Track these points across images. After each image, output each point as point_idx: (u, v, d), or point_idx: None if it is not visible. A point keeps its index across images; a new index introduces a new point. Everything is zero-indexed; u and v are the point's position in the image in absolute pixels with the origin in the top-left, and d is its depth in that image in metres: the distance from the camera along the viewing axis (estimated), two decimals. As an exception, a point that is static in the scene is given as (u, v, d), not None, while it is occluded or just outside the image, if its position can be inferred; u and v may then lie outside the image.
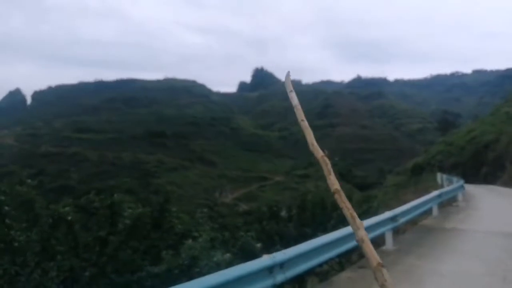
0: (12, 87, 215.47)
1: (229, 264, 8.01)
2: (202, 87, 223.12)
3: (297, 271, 6.05)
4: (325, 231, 9.67)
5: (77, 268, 5.75)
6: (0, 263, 5.54)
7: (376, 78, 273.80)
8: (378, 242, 8.95)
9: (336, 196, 2.11)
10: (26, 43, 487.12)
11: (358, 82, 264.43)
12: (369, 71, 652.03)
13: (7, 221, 5.68)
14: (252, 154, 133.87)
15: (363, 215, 13.74)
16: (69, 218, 5.78)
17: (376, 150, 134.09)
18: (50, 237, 5.61)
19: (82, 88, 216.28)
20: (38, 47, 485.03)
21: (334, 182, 2.15)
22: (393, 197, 30.13)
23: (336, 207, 13.90)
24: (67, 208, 5.84)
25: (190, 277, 6.43)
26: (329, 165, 2.23)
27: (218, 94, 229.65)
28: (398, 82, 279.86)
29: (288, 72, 2.97)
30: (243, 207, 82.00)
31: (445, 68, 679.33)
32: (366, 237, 1.91)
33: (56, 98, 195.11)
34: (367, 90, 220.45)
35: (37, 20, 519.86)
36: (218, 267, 7.69)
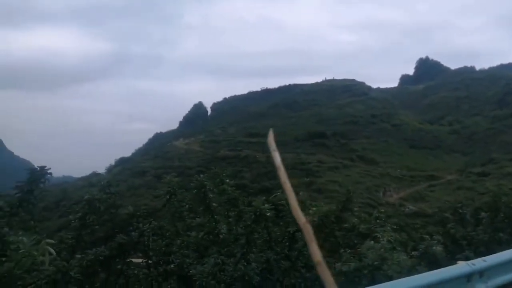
0: (196, 101, 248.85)
1: (412, 268, 7.64)
2: (361, 84, 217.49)
3: (500, 281, 5.45)
4: (526, 238, 8.39)
5: (272, 261, 6.38)
6: (210, 253, 6.63)
7: None
8: None
9: (318, 267, 2.09)
10: (203, 62, 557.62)
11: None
12: None
13: (216, 217, 6.75)
14: (419, 151, 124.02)
15: None
16: (268, 214, 6.48)
17: None
18: (253, 231, 6.39)
19: (251, 97, 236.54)
20: (213, 65, 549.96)
21: (315, 252, 2.13)
22: None
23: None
24: (266, 205, 6.54)
25: (375, 279, 6.39)
26: (311, 233, 2.22)
27: (378, 90, 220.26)
28: None
29: (271, 130, 2.94)
30: (410, 207, 77.36)
31: None
32: None
33: (230, 107, 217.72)
34: None
35: (208, 41, 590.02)
36: (401, 270, 7.43)
